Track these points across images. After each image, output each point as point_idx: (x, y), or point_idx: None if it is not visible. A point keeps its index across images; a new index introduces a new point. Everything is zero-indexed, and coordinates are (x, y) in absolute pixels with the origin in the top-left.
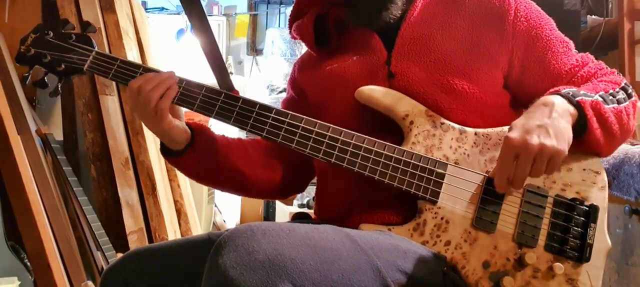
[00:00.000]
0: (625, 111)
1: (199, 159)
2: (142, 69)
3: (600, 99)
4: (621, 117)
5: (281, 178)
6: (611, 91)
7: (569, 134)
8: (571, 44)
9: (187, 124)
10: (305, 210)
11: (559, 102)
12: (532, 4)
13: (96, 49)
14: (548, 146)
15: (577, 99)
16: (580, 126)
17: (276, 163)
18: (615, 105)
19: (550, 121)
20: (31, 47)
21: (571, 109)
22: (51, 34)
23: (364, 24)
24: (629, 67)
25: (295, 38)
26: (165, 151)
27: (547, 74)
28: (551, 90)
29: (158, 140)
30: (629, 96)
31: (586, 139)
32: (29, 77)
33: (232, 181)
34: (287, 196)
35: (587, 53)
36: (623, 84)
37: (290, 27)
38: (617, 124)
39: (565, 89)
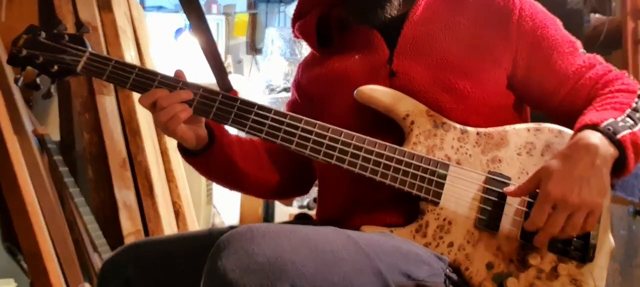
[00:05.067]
0: None
1: (215, 161)
2: (138, 70)
3: (631, 120)
4: None
5: (286, 180)
6: (634, 106)
7: (608, 185)
8: (578, 43)
9: (206, 124)
10: (306, 211)
11: (601, 145)
12: (537, 4)
13: (90, 49)
14: (588, 202)
15: (618, 136)
16: (618, 165)
17: (283, 165)
18: None
19: (593, 172)
20: (23, 48)
21: (612, 150)
22: (44, 35)
23: (361, 21)
24: (632, 66)
25: (298, 37)
26: (182, 149)
27: (553, 75)
28: (587, 121)
29: (156, 141)
30: None
31: (620, 175)
32: (21, 79)
33: (241, 182)
34: (289, 198)
35: (595, 54)
36: (639, 92)
37: (293, 27)
38: None
39: (604, 123)
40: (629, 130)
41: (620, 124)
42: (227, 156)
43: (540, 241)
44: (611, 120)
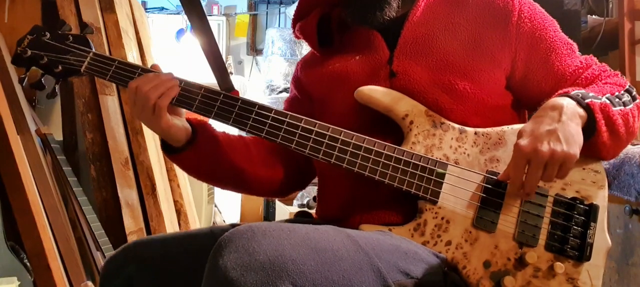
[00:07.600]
0: (631, 113)
1: (199, 156)
2: (141, 70)
3: (608, 101)
4: (627, 119)
5: (282, 176)
6: (617, 93)
7: (579, 138)
8: (575, 45)
9: (188, 120)
10: (306, 210)
11: (568, 104)
12: (536, 6)
13: (94, 50)
14: (558, 151)
15: (587, 101)
16: (589, 129)
17: (277, 161)
18: (622, 107)
19: (560, 125)
20: (28, 48)
21: (580, 111)
22: (48, 35)
23: (359, 23)
24: (629, 67)
25: (298, 38)
26: (165, 147)
27: (551, 76)
28: (560, 91)
29: (158, 140)
30: (634, 98)
31: (594, 141)
32: (26, 79)
33: (233, 179)
34: (287, 195)
35: (591, 55)
36: (627, 86)
37: (293, 27)
38: (624, 126)
39: (575, 91)
40: (600, 101)
41: (592, 95)
42: (215, 148)
43: (526, 193)
44: (583, 91)
